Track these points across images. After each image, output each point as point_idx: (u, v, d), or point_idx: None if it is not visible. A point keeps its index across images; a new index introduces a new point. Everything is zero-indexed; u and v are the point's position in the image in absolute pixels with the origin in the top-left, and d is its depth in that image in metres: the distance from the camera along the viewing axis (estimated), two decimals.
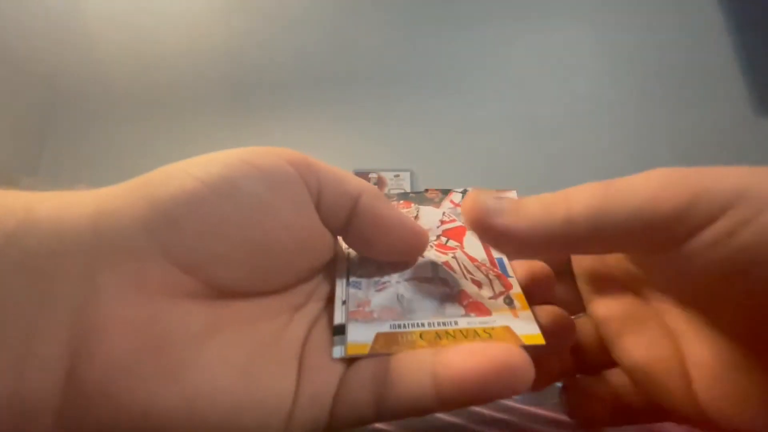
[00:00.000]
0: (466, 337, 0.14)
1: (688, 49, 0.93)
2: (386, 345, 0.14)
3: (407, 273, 0.17)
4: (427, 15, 1.11)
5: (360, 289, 0.17)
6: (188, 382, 0.12)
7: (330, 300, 0.18)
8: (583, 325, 0.18)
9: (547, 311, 0.16)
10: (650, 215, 0.12)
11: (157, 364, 0.11)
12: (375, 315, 0.16)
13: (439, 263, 0.18)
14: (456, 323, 0.15)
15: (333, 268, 0.18)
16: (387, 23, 1.13)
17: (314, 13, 1.16)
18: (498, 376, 0.12)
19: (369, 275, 0.18)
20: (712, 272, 0.12)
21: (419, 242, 0.17)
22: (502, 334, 0.14)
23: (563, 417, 0.37)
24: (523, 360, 0.12)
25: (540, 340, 0.14)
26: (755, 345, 0.13)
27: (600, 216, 0.13)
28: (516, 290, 0.17)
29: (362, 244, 0.17)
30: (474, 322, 0.15)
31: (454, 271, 0.17)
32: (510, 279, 0.17)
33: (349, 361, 0.15)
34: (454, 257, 0.18)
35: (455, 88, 1.05)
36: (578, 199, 0.13)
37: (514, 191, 0.18)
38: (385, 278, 0.17)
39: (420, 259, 0.18)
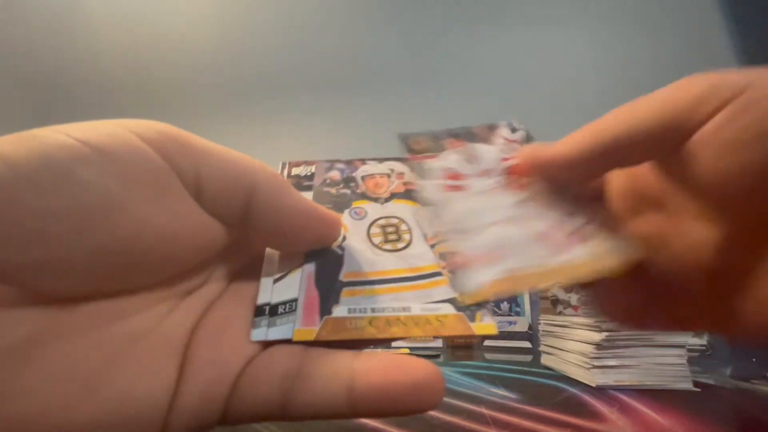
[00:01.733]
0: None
1: (687, 48, 0.93)
2: (509, 284, 0.15)
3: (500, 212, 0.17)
4: (427, 16, 1.11)
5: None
6: (9, 405, 0.10)
7: (242, 273, 0.16)
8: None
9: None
10: (669, 114, 0.13)
11: None
12: (488, 257, 0.16)
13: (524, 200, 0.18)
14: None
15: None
16: (386, 25, 1.13)
17: (314, 14, 1.16)
18: (414, 394, 0.12)
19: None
20: (726, 151, 0.12)
21: (331, 231, 0.15)
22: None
23: (563, 417, 0.37)
24: (438, 379, 0.12)
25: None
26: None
27: (628, 128, 0.14)
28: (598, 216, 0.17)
29: (266, 238, 0.15)
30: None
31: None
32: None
33: (263, 346, 0.13)
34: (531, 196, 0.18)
35: (454, 88, 1.05)
36: (609, 121, 0.15)
37: None
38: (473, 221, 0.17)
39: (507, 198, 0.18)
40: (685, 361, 0.45)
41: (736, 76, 0.13)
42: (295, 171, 0.20)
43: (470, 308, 0.15)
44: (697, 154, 0.13)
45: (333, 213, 0.15)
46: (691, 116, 0.13)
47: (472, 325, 0.14)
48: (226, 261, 0.15)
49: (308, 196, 0.18)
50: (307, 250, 0.16)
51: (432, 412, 0.35)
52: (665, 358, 0.45)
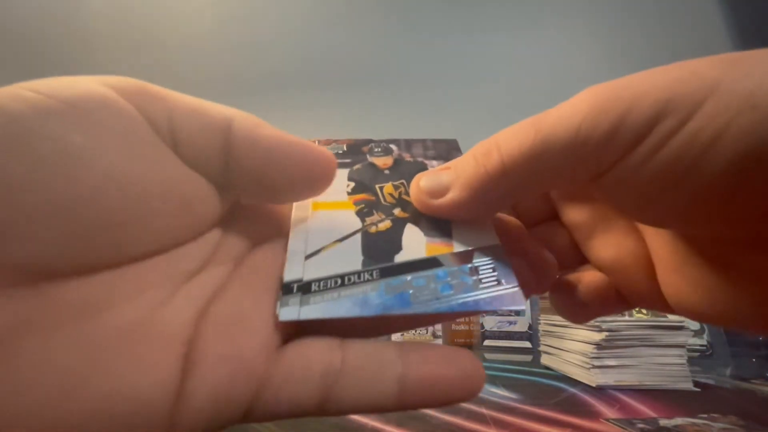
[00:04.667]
0: None
1: (687, 47, 0.93)
2: None
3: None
4: (425, 17, 1.10)
5: None
6: None
7: (249, 255, 0.14)
8: (556, 231, 0.18)
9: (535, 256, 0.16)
10: (583, 141, 0.11)
11: None
12: None
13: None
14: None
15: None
16: (386, 24, 1.12)
17: (315, 12, 1.16)
18: (462, 385, 0.12)
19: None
20: (650, 185, 0.11)
21: (323, 165, 0.13)
22: None
23: (563, 417, 0.37)
24: (481, 368, 0.12)
25: None
26: (700, 242, 0.14)
27: (533, 155, 0.12)
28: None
29: (253, 186, 0.13)
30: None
31: None
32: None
33: (285, 337, 0.12)
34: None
35: (454, 90, 1.05)
36: (508, 143, 0.13)
37: None
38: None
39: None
40: (685, 361, 0.45)
41: (655, 90, 0.11)
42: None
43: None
44: (617, 185, 0.12)
45: (323, 148, 0.14)
46: (611, 145, 0.11)
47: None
48: (227, 242, 0.14)
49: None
50: (299, 196, 0.14)
51: (432, 412, 0.35)
52: (665, 358, 0.45)
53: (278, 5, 1.18)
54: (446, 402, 0.12)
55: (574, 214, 0.17)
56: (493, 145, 0.13)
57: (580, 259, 0.18)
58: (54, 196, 0.10)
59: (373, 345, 0.12)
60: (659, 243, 0.15)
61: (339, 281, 0.13)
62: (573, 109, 0.12)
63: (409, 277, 0.14)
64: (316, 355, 0.12)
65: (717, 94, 0.10)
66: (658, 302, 0.15)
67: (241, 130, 0.12)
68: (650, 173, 0.11)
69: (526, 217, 0.18)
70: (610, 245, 0.16)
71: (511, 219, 0.17)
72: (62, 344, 0.10)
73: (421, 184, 0.15)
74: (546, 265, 0.16)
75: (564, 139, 0.12)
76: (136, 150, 0.11)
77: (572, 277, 0.18)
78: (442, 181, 0.14)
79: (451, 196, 0.14)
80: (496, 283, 0.13)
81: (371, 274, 0.14)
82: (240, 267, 0.14)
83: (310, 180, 0.14)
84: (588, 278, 0.17)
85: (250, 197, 0.14)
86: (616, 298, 0.17)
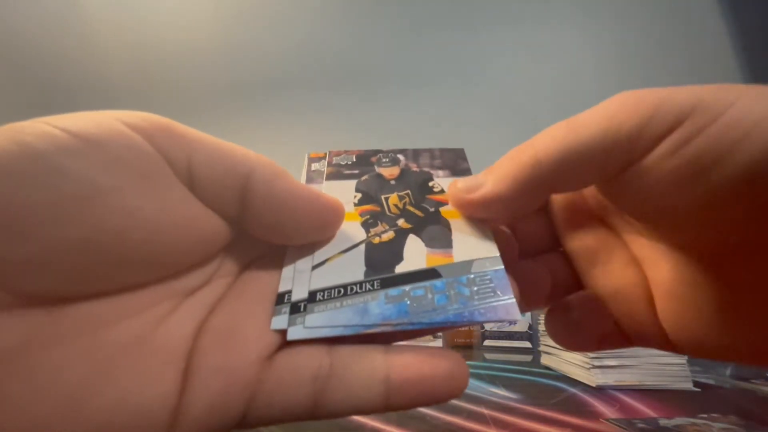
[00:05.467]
0: None
1: (686, 46, 0.93)
2: None
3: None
4: (423, 16, 1.11)
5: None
6: None
7: (248, 269, 0.15)
8: (557, 261, 0.18)
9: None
10: (613, 137, 0.12)
11: None
12: None
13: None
14: None
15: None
16: (386, 24, 1.13)
17: (315, 13, 1.16)
18: (446, 384, 0.12)
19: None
20: (669, 182, 0.12)
21: (333, 217, 0.14)
22: None
23: (563, 417, 0.37)
24: (465, 367, 0.13)
25: None
26: (709, 258, 0.14)
27: (566, 149, 0.13)
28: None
29: (266, 230, 0.14)
30: None
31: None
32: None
33: (276, 347, 0.13)
34: None
35: (455, 89, 1.05)
36: (543, 140, 0.13)
37: None
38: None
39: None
40: (685, 361, 0.45)
41: (682, 96, 0.12)
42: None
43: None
44: (639, 181, 0.13)
45: (334, 199, 0.14)
46: (638, 140, 0.12)
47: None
48: (229, 258, 0.15)
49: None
50: (307, 240, 0.15)
51: (432, 412, 0.35)
52: (665, 358, 0.45)
53: (278, 8, 1.18)
54: (432, 401, 0.12)
55: (576, 242, 0.17)
56: (528, 144, 0.14)
57: (579, 289, 0.18)
58: (74, 234, 0.10)
59: (359, 349, 0.13)
60: (660, 267, 0.15)
61: (342, 291, 0.14)
62: (605, 107, 0.13)
63: (408, 288, 0.14)
64: (306, 361, 0.12)
65: (739, 104, 0.11)
66: (658, 336, 0.15)
67: (260, 181, 0.13)
68: (672, 168, 0.12)
69: (528, 246, 0.18)
70: (610, 275, 0.16)
71: (506, 231, 0.17)
72: (71, 358, 0.10)
73: (459, 184, 0.15)
74: (539, 276, 0.17)
75: (596, 134, 0.12)
76: (155, 190, 0.11)
77: (569, 298, 0.17)
78: (479, 179, 0.15)
79: (486, 188, 0.15)
80: (492, 294, 0.13)
81: (372, 285, 0.14)
82: (238, 280, 0.14)
83: (320, 229, 0.15)
84: (585, 296, 0.17)
85: (259, 236, 0.14)
86: (615, 329, 0.16)
